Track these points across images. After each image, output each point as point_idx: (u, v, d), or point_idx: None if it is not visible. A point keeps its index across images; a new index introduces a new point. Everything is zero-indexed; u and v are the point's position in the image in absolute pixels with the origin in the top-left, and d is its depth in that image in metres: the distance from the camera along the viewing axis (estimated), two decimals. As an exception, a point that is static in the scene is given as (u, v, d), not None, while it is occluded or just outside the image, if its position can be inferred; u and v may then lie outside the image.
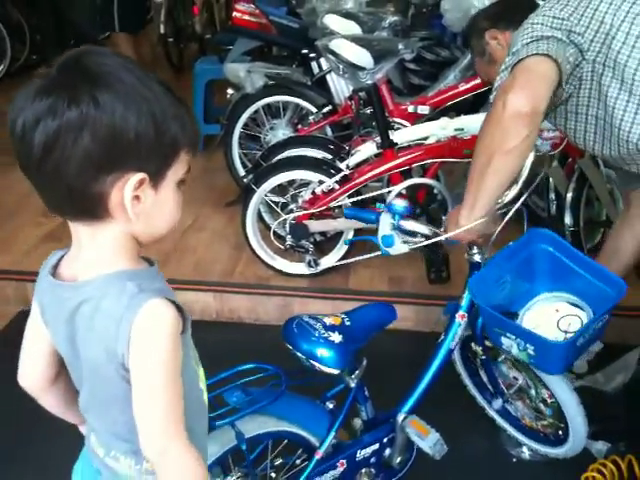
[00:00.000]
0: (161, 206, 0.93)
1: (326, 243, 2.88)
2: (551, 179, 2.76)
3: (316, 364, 1.49)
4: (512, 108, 1.41)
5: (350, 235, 2.76)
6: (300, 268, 2.80)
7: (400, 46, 2.53)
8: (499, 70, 1.60)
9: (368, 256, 2.75)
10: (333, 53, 2.52)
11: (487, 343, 1.84)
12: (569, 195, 2.64)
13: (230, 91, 3.62)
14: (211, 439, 1.39)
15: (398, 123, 2.99)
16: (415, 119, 3.02)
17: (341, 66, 2.53)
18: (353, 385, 1.61)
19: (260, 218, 2.90)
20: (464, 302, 1.75)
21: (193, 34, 5.82)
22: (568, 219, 2.61)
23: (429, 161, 2.69)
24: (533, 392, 1.93)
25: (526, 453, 2.04)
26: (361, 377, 1.61)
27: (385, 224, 1.66)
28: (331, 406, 1.64)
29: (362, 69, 2.52)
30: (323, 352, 1.48)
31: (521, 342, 1.53)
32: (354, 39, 2.52)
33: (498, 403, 1.98)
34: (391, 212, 1.66)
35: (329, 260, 2.80)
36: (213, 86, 4.23)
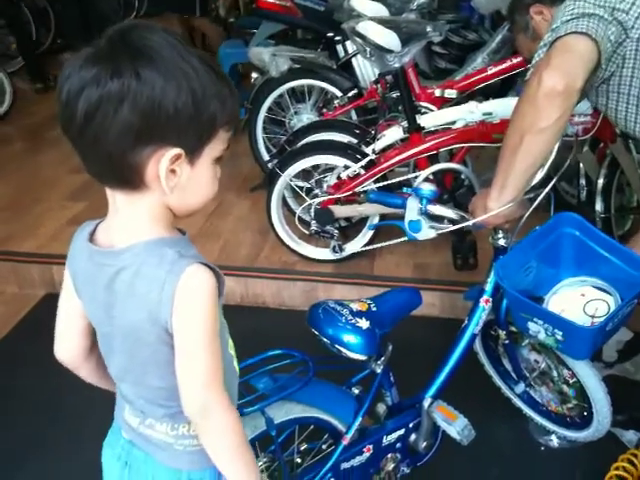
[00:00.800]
0: (196, 181, 0.95)
1: (351, 229, 2.85)
2: (582, 165, 2.71)
3: (343, 350, 1.48)
4: (546, 87, 1.37)
5: (375, 220, 2.74)
6: (325, 253, 2.78)
7: (428, 28, 2.47)
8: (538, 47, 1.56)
9: (393, 242, 2.72)
10: (360, 36, 2.47)
11: (512, 328, 1.82)
12: (600, 181, 2.58)
13: (254, 75, 3.60)
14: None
15: (425, 107, 2.94)
16: (442, 103, 2.97)
17: (368, 49, 2.49)
18: (379, 371, 1.60)
19: (285, 203, 2.88)
20: (488, 287, 1.73)
21: (217, 18, 5.78)
22: (599, 205, 2.55)
23: (456, 146, 2.65)
24: (555, 373, 1.91)
25: (554, 441, 2.01)
26: (387, 363, 1.60)
27: (412, 209, 1.63)
28: (357, 392, 1.63)
29: (389, 52, 2.48)
30: (351, 338, 1.47)
31: (549, 327, 1.50)
32: (381, 21, 2.47)
33: (521, 387, 1.97)
34: (418, 196, 1.63)
35: (354, 246, 2.77)
36: (238, 70, 4.21)
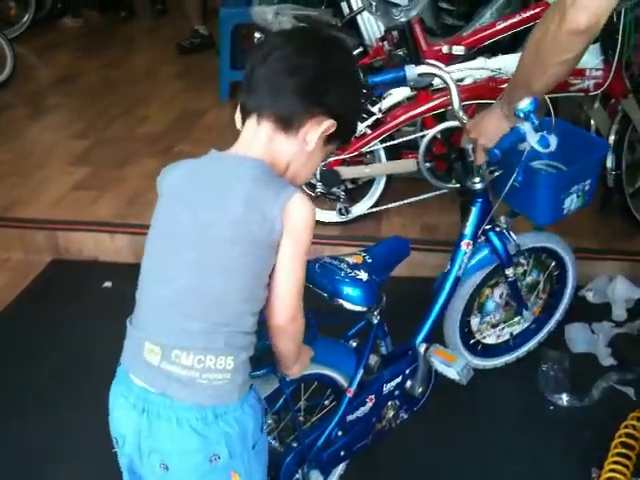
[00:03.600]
0: (314, 156, 1.16)
1: (357, 190, 2.81)
2: (592, 121, 2.65)
3: (345, 303, 1.48)
4: (571, 24, 1.32)
5: (382, 181, 2.70)
6: (331, 216, 2.75)
7: (435, -19, 2.40)
8: None
9: (400, 203, 2.71)
10: (365, -11, 2.40)
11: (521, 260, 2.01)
12: (611, 137, 2.53)
13: (258, 35, 3.52)
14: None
15: (432, 64, 2.87)
16: (450, 60, 2.90)
17: (374, 3, 2.42)
18: (376, 321, 1.62)
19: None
20: (468, 230, 1.79)
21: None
22: (610, 162, 2.51)
23: (465, 103, 2.59)
24: (541, 277, 2.12)
25: (564, 400, 2.00)
26: (382, 313, 1.62)
27: (528, 130, 1.57)
28: (354, 344, 1.65)
29: (395, 5, 2.41)
30: (352, 290, 1.48)
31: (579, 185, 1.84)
32: (387, -25, 2.40)
33: (529, 317, 2.12)
34: (524, 115, 1.57)
35: (361, 208, 2.74)
36: (241, 30, 4.13)
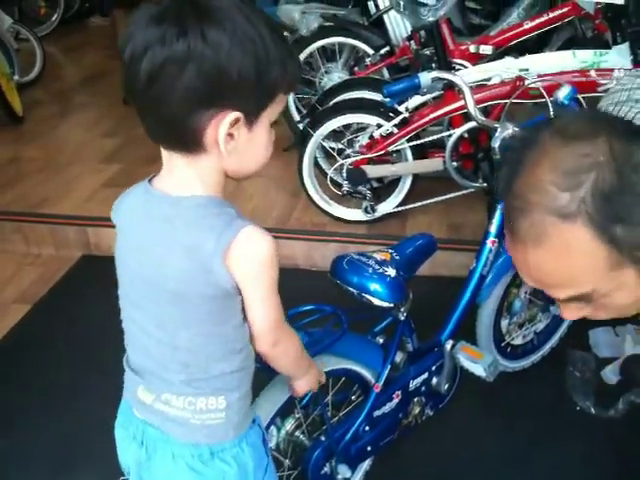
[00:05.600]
0: (253, 145, 0.96)
1: (384, 189, 2.82)
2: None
3: (373, 299, 1.50)
4: None
5: (409, 180, 2.71)
6: (357, 214, 2.77)
7: (463, -19, 2.41)
8: None
9: (427, 202, 2.72)
10: (393, -11, 2.42)
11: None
12: None
13: (285, 34, 3.55)
14: (277, 382, 1.42)
15: (459, 64, 2.88)
16: (477, 60, 2.91)
17: (402, 2, 2.43)
18: (402, 318, 1.63)
19: (316, 164, 2.86)
20: (493, 228, 1.77)
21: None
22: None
23: (492, 103, 2.59)
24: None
25: (591, 409, 1.98)
26: (408, 309, 1.63)
27: None
28: (381, 340, 1.67)
29: (423, 5, 2.42)
30: (380, 287, 1.50)
31: None
32: (415, -27, 2.41)
33: (555, 311, 2.05)
34: (566, 103, 1.58)
35: (387, 206, 2.75)
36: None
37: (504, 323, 2.05)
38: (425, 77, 1.75)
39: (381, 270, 1.51)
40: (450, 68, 2.66)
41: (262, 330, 1.04)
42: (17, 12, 5.08)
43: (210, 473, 1.06)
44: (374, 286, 1.50)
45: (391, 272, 1.52)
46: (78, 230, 2.87)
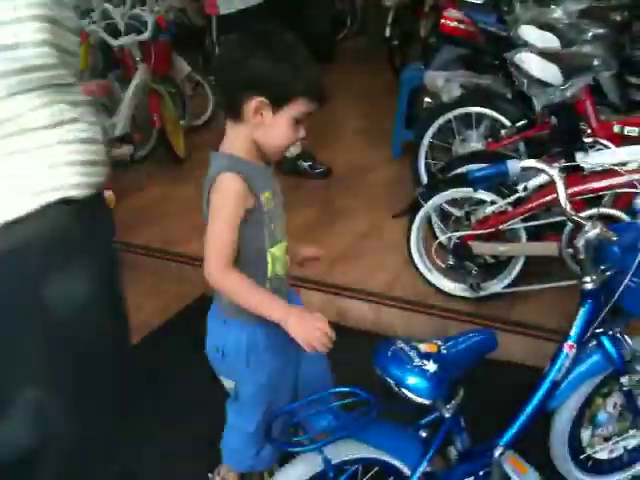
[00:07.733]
0: (275, 128, 1.45)
1: (496, 267, 2.70)
2: None
3: (407, 393, 1.44)
4: None
5: (522, 260, 2.57)
6: (460, 289, 2.68)
7: (596, 62, 2.27)
8: None
9: (539, 287, 2.55)
10: (517, 67, 2.34)
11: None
12: None
13: (427, 100, 3.57)
14: (297, 463, 1.42)
15: (601, 144, 2.71)
16: (622, 141, 2.71)
17: (525, 81, 2.35)
18: (448, 415, 1.53)
19: (430, 227, 2.81)
20: (574, 331, 1.65)
21: (417, 38, 5.78)
22: None
23: (621, 190, 2.40)
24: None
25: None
26: (457, 407, 1.53)
27: None
28: (424, 434, 1.57)
29: (549, 85, 2.32)
30: (415, 381, 1.43)
31: None
32: (542, 53, 2.32)
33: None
34: None
35: (495, 286, 2.63)
36: (420, 93, 4.18)
37: (585, 434, 1.86)
38: (513, 165, 1.66)
39: (420, 363, 1.44)
40: (580, 148, 2.50)
41: (205, 248, 1.44)
42: (201, 60, 5.45)
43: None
44: (409, 379, 1.43)
45: (431, 367, 1.44)
46: (200, 271, 3.05)
